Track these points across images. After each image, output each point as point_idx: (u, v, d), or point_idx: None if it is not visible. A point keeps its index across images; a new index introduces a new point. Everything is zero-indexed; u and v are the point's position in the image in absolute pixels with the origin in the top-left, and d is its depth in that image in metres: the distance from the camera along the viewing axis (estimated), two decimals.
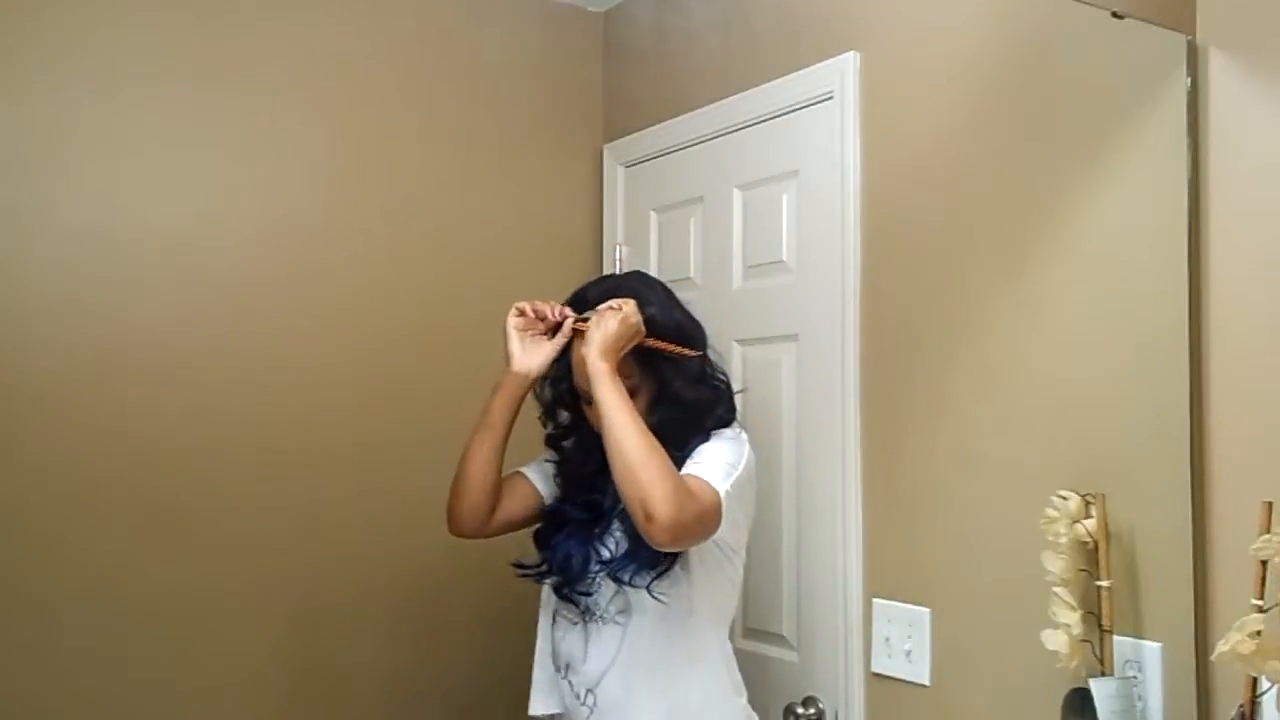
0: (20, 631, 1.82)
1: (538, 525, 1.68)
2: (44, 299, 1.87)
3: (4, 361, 1.83)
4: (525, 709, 1.67)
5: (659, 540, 1.38)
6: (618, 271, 2.36)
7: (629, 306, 1.51)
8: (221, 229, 2.03)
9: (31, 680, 1.81)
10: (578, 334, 1.56)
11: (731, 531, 1.53)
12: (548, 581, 1.64)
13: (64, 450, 1.86)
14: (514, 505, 1.67)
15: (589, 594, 1.57)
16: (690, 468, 1.49)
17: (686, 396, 1.57)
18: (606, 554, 1.57)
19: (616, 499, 1.49)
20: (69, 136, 1.90)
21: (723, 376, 1.65)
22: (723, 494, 1.45)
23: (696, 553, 1.53)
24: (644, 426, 1.44)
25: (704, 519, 1.42)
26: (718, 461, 1.51)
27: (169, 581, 1.94)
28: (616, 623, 1.56)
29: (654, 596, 1.52)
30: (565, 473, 1.68)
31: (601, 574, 1.56)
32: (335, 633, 2.10)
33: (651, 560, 1.50)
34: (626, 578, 1.52)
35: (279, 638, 2.05)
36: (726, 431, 1.59)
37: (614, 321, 1.49)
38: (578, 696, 1.58)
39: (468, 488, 1.61)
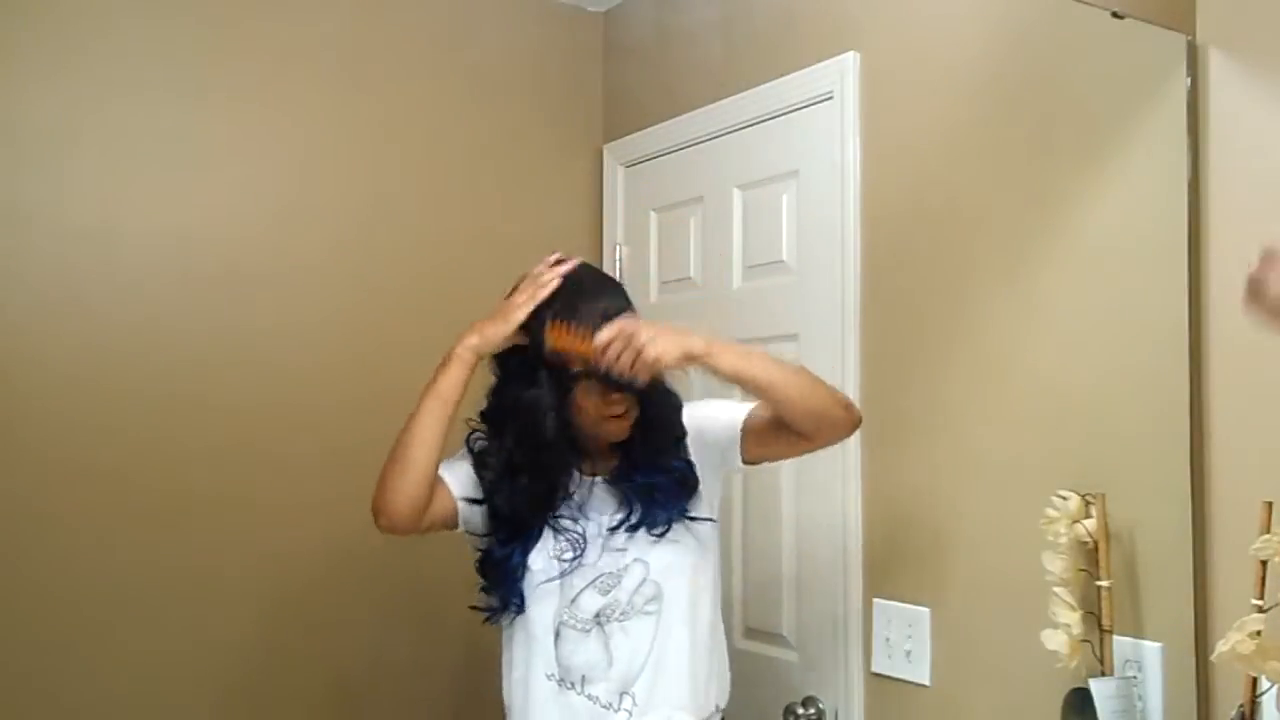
0: (21, 627, 1.82)
1: (483, 563, 1.51)
2: (44, 299, 1.87)
3: (3, 360, 1.83)
4: None
5: (858, 419, 1.50)
6: (618, 273, 2.37)
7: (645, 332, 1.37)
8: (221, 228, 2.03)
9: (31, 675, 1.81)
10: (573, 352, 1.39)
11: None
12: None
13: (63, 448, 1.86)
14: (440, 505, 1.49)
15: (608, 590, 1.47)
16: (725, 414, 1.54)
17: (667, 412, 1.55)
18: (619, 518, 1.48)
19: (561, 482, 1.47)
20: (69, 137, 1.90)
21: None
22: None
23: (712, 467, 1.55)
24: (771, 356, 1.48)
25: None
26: (727, 402, 1.56)
27: (170, 577, 1.94)
28: (646, 613, 1.47)
29: (698, 519, 1.51)
30: (504, 512, 1.49)
31: (650, 524, 1.47)
32: (335, 627, 2.10)
33: (686, 481, 1.51)
34: (675, 511, 1.49)
35: (278, 631, 2.05)
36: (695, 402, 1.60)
37: (664, 329, 1.38)
38: (607, 705, 1.45)
39: (414, 472, 1.43)
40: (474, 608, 1.52)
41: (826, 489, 1.84)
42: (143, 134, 1.96)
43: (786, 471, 1.92)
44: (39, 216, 1.87)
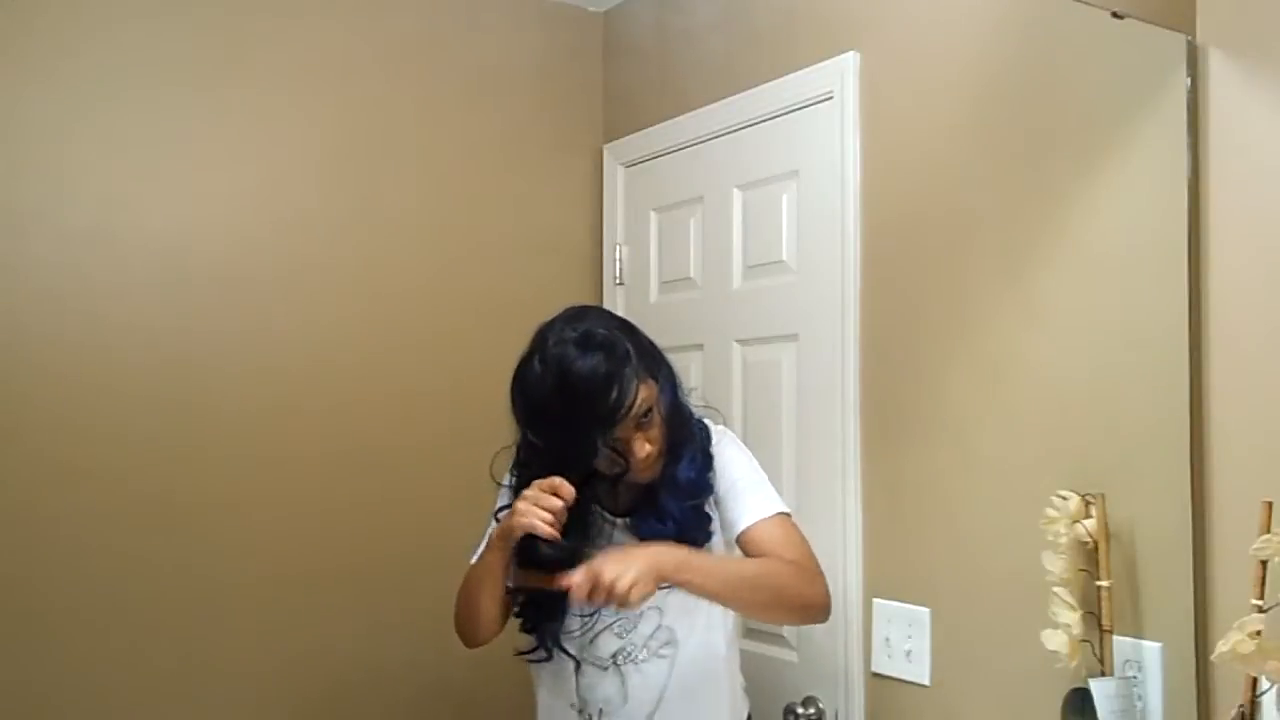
0: (22, 629, 1.82)
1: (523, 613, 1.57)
2: (44, 299, 1.87)
3: (4, 361, 1.83)
4: (531, 707, 1.63)
5: (825, 617, 1.49)
6: (617, 273, 2.37)
7: (628, 574, 1.31)
8: (221, 229, 2.03)
9: (28, 677, 1.81)
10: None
11: None
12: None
13: (63, 449, 1.86)
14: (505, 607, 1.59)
15: (625, 634, 1.53)
16: (739, 501, 1.51)
17: (680, 441, 1.53)
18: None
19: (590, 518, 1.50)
20: (69, 137, 1.90)
21: (686, 397, 1.58)
22: (788, 510, 1.53)
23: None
24: (738, 564, 1.47)
25: (816, 561, 1.50)
26: (753, 479, 1.54)
27: (169, 580, 1.94)
28: (661, 656, 1.53)
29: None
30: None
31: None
32: (336, 632, 2.10)
33: (697, 535, 1.50)
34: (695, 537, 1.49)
35: (278, 635, 2.05)
36: (721, 440, 1.57)
37: (637, 566, 1.33)
38: None
39: (483, 633, 1.53)
40: (519, 653, 1.58)
41: (827, 489, 1.84)
42: (143, 134, 1.96)
43: (786, 471, 1.92)
44: (39, 216, 1.87)
